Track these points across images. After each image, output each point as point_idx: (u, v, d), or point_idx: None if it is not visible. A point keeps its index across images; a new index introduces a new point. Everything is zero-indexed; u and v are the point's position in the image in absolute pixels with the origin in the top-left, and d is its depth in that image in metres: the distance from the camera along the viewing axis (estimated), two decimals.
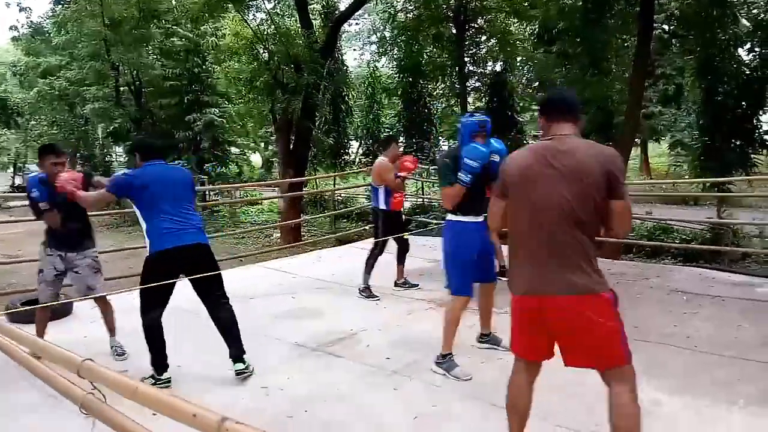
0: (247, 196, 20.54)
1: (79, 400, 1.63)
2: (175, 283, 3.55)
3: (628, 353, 2.29)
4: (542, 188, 2.32)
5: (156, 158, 3.70)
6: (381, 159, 5.80)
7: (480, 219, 3.69)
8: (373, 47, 23.13)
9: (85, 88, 21.08)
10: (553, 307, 2.31)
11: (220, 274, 3.77)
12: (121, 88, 20.72)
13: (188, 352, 4.21)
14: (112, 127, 21.93)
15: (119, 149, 27.02)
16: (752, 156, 12.27)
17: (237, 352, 3.67)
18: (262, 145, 30.85)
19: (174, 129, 20.40)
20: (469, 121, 3.66)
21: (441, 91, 20.36)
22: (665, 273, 6.42)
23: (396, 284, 5.95)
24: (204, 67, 20.71)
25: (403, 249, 5.94)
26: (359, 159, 24.87)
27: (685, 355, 3.88)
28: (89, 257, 4.02)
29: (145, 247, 3.57)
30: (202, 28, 18.52)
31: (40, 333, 4.03)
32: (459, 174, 3.50)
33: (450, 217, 3.77)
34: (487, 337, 4.20)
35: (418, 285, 5.91)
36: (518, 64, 18.68)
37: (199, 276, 3.56)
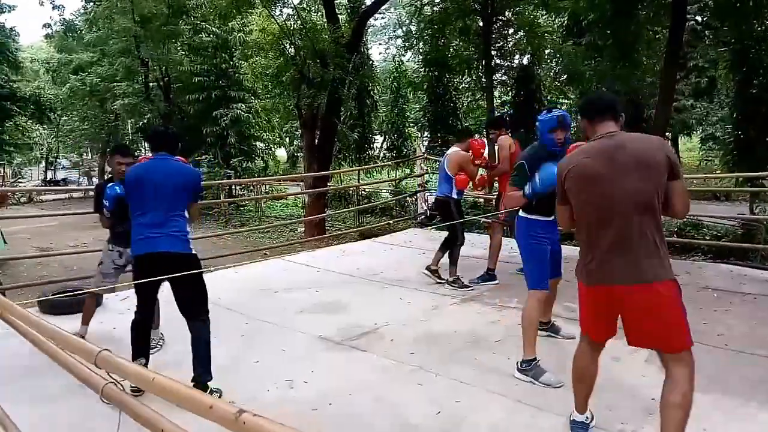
0: (272, 190, 20.71)
1: (99, 389, 1.65)
2: (155, 288, 3.45)
3: (690, 338, 2.41)
4: (608, 184, 2.44)
5: (162, 151, 3.48)
6: (456, 149, 5.78)
7: (550, 218, 3.65)
8: (399, 41, 23.14)
9: (115, 84, 21.49)
10: (623, 295, 2.45)
11: (200, 288, 3.45)
12: (151, 84, 21.06)
13: (214, 345, 4.26)
14: (141, 123, 22.34)
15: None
16: None
17: (198, 376, 3.28)
18: (288, 139, 31.04)
19: (201, 124, 20.67)
20: (547, 117, 3.61)
21: (467, 85, 20.19)
22: (695, 270, 6.28)
23: (428, 268, 5.91)
24: (231, 62, 20.92)
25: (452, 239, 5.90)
26: (383, 154, 24.86)
27: (716, 353, 3.80)
28: None
29: None
30: (229, 24, 18.71)
31: (86, 320, 4.17)
32: (528, 185, 3.44)
33: (522, 213, 3.74)
34: (546, 325, 4.19)
35: (445, 281, 5.86)
36: (546, 56, 18.40)
37: (175, 283, 3.35)
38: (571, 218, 2.70)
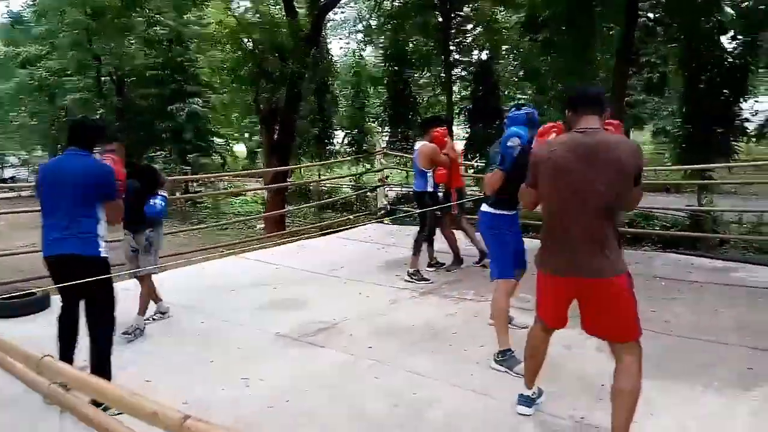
0: (231, 187, 20.42)
1: (43, 391, 1.61)
2: (74, 292, 3.24)
3: (639, 329, 2.55)
4: (577, 179, 2.52)
5: (73, 145, 3.27)
6: (424, 143, 5.79)
7: (513, 213, 3.75)
8: (359, 36, 23.01)
9: (66, 78, 20.78)
10: (581, 287, 2.58)
11: (108, 294, 3.31)
12: (103, 78, 20.45)
13: (169, 344, 4.20)
14: (93, 118, 21.62)
15: None
16: (733, 143, 12.35)
17: None
18: (247, 135, 30.58)
19: (156, 119, 20.19)
20: (516, 114, 3.72)
21: (427, 80, 20.29)
22: (645, 260, 6.48)
23: (429, 265, 6.11)
24: (187, 56, 20.47)
25: (432, 232, 6.02)
26: (344, 149, 24.77)
27: (662, 339, 3.94)
28: (142, 237, 4.36)
29: None
30: (185, 16, 18.29)
31: (144, 308, 4.47)
32: (499, 160, 3.54)
33: (485, 208, 3.82)
34: None
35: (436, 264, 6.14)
36: (504, 52, 18.64)
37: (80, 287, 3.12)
38: (534, 201, 2.82)
